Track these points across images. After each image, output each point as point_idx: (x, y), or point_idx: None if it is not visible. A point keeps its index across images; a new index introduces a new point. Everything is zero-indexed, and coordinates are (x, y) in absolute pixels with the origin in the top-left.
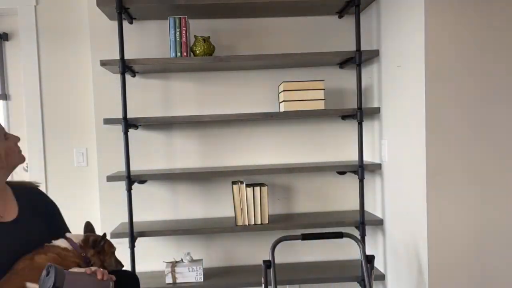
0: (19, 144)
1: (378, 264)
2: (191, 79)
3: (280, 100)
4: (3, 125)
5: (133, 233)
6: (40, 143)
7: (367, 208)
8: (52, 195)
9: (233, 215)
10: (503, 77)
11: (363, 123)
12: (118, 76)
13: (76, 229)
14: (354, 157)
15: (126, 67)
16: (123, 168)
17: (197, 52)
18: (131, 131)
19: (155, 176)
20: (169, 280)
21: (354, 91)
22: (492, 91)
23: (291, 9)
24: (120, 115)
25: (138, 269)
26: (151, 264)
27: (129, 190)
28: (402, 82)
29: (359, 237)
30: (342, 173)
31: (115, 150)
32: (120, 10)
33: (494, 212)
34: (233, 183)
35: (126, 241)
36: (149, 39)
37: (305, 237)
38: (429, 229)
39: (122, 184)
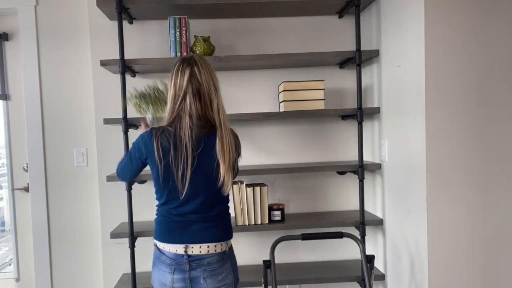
0: None
1: (378, 264)
2: None
3: (280, 100)
4: (3, 125)
5: (133, 233)
6: (40, 143)
7: (367, 208)
8: (52, 195)
9: (233, 215)
10: (503, 77)
11: (363, 123)
12: (118, 76)
13: (76, 229)
14: (354, 157)
15: (126, 67)
16: None
17: (197, 52)
18: (131, 131)
19: None
20: None
21: (354, 91)
22: (492, 91)
23: (291, 9)
24: (120, 115)
25: (138, 269)
26: (151, 264)
27: (129, 190)
28: (402, 82)
29: (359, 237)
30: (342, 173)
31: (115, 150)
32: (120, 10)
33: (494, 212)
34: (233, 183)
35: (126, 241)
36: (149, 39)
37: (305, 237)
38: (429, 229)
39: (122, 184)
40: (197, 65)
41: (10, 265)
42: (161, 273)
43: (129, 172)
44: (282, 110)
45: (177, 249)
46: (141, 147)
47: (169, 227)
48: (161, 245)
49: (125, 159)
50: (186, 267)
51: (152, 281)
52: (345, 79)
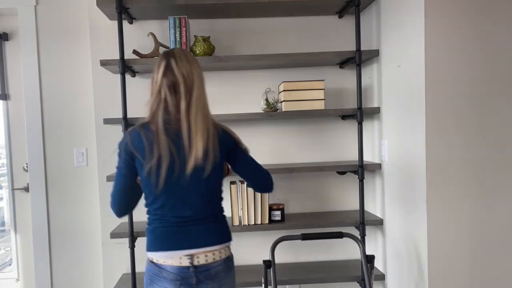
0: None
1: (378, 264)
2: None
3: (280, 100)
4: (3, 125)
5: (133, 233)
6: (40, 143)
7: (367, 208)
8: (52, 195)
9: (233, 215)
10: (503, 76)
11: (363, 123)
12: (118, 76)
13: (76, 229)
14: (354, 157)
15: (126, 67)
16: None
17: (197, 52)
18: None
19: None
20: None
21: (354, 91)
22: (492, 90)
23: (291, 9)
24: (120, 115)
25: (138, 269)
26: None
27: None
28: (402, 82)
29: (359, 237)
30: (342, 173)
31: (115, 150)
32: (120, 10)
33: (494, 212)
34: (231, 183)
35: (126, 241)
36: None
37: (305, 237)
38: (429, 229)
39: None
40: (174, 57)
41: (10, 265)
42: None
43: (123, 189)
44: (282, 110)
45: (181, 261)
46: (124, 147)
47: (166, 232)
48: (160, 258)
49: (115, 179)
50: (193, 280)
51: None
52: (345, 79)
